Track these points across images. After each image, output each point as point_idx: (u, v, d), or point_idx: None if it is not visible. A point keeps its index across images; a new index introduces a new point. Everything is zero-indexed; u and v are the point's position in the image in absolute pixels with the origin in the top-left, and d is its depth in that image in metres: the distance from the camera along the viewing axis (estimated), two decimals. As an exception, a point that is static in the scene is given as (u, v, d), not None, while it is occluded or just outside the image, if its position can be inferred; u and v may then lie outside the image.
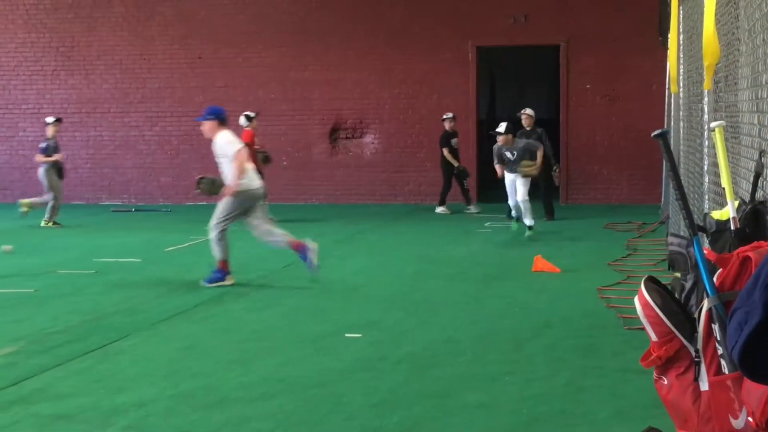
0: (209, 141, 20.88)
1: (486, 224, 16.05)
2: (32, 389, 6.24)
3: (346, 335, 7.80)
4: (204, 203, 20.40)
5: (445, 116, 18.12)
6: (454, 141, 18.09)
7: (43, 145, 16.94)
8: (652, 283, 3.88)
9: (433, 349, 7.31)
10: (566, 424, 5.39)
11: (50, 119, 17.31)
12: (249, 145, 16.95)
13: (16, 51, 21.31)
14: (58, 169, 16.94)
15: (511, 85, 26.06)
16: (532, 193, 14.54)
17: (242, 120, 17.03)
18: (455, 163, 17.99)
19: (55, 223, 16.68)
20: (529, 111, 16.69)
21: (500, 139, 14.17)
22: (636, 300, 3.87)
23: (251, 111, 17.41)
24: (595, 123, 19.53)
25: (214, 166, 20.58)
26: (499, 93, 26.30)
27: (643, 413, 5.38)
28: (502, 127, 14.21)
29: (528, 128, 16.63)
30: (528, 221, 13.98)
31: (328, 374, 6.57)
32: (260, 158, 17.06)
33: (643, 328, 3.93)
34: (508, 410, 5.67)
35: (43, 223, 16.61)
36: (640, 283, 3.90)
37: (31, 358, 7.08)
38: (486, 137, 19.33)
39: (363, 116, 20.26)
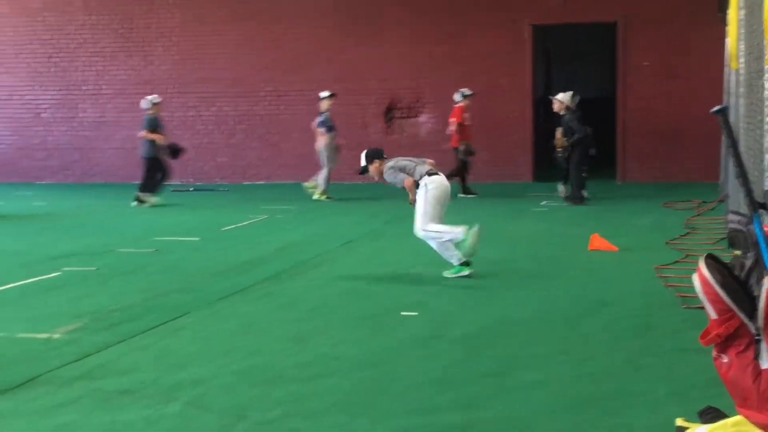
0: (266, 121, 21.09)
1: (542, 203, 15.98)
2: (95, 365, 6.35)
3: (402, 314, 7.83)
4: (262, 183, 20.55)
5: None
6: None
7: (321, 119, 17.18)
8: (712, 260, 3.85)
9: (488, 327, 7.32)
10: (622, 404, 5.37)
11: (324, 93, 17.53)
12: (459, 123, 17.22)
13: (76, 33, 21.56)
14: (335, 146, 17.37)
15: (567, 63, 25.85)
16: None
17: (456, 96, 17.29)
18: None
19: (328, 197, 17.17)
20: (559, 96, 16.22)
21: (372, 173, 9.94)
22: (695, 278, 3.84)
23: (462, 90, 17.55)
24: (652, 100, 19.33)
25: (270, 145, 20.75)
26: (555, 71, 26.12)
27: (700, 393, 5.35)
28: (362, 159, 9.99)
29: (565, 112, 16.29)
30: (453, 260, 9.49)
31: (384, 352, 6.60)
32: (461, 150, 17.25)
33: (702, 307, 3.91)
34: (563, 389, 5.66)
35: (315, 196, 16.95)
36: (699, 262, 3.88)
37: (93, 335, 7.19)
38: (543, 115, 19.25)
39: (419, 95, 20.24)
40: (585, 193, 15.82)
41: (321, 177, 17.25)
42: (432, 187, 9.40)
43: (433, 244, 9.50)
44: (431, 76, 20.03)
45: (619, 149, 19.66)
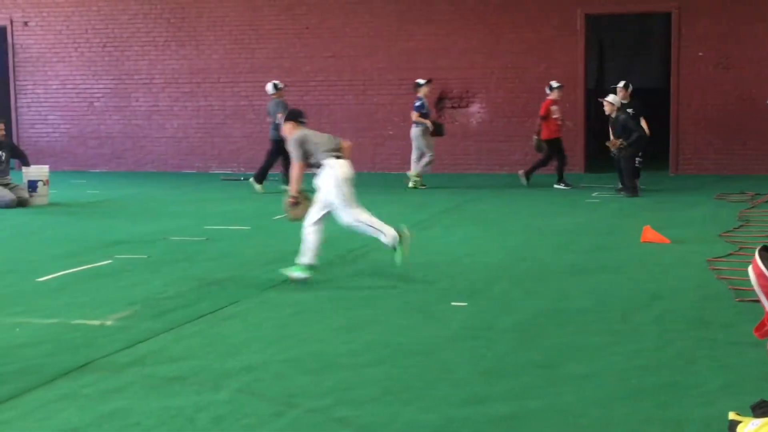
0: (315, 111, 21.16)
1: (593, 194, 15.89)
2: (146, 352, 6.41)
3: (452, 304, 7.83)
4: (313, 173, 20.61)
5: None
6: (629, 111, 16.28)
7: (417, 104, 17.32)
8: (767, 252, 3.81)
9: (540, 318, 7.29)
10: (674, 396, 5.34)
11: (421, 81, 17.56)
12: (542, 116, 17.24)
13: (129, 23, 21.75)
14: (437, 126, 17.44)
15: (620, 53, 25.63)
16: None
17: (546, 88, 17.34)
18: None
19: (421, 184, 17.35)
20: (609, 98, 15.70)
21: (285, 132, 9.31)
22: (750, 270, 3.81)
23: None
24: (707, 91, 19.12)
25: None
26: (607, 62, 25.90)
27: (754, 386, 5.29)
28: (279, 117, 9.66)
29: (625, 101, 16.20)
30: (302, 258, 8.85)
31: (435, 342, 6.60)
32: (534, 143, 17.30)
33: (757, 300, 3.87)
34: (615, 380, 5.63)
35: (411, 184, 17.20)
36: (753, 254, 3.85)
37: (145, 322, 7.26)
38: (594, 106, 19.10)
39: (469, 85, 20.19)
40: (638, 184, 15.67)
41: (420, 164, 17.33)
42: (337, 169, 8.74)
43: (367, 231, 8.96)
44: (482, 66, 19.97)
45: (672, 141, 19.47)
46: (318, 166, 8.87)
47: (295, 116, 9.23)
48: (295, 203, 9.09)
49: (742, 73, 18.85)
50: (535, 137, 17.32)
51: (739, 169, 18.97)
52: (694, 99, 19.22)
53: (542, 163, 17.43)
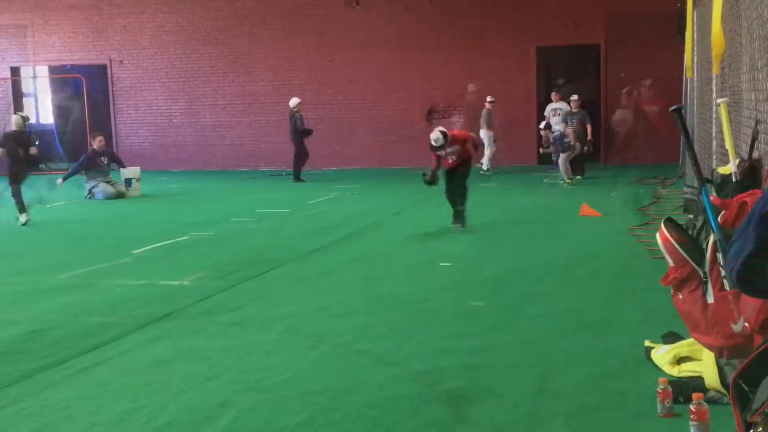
0: (336, 122, 20.95)
1: (544, 181, 15.83)
2: (214, 304, 6.42)
3: (440, 264, 7.82)
4: (334, 169, 20.54)
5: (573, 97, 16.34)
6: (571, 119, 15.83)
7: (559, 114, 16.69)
8: (670, 222, 3.92)
9: (505, 274, 7.28)
10: (606, 330, 5.33)
11: (574, 96, 16.31)
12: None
13: (198, 60, 21.66)
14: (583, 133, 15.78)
15: (562, 75, 25.40)
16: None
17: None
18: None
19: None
20: (575, 96, 15.99)
21: None
22: (657, 236, 3.90)
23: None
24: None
25: (341, 140, 20.66)
26: (552, 82, 25.68)
27: (665, 321, 5.28)
28: None
29: (575, 110, 16.24)
30: None
31: (428, 292, 6.60)
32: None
33: (664, 257, 3.87)
34: (561, 319, 5.63)
35: (564, 183, 15.25)
36: (660, 224, 3.88)
37: (212, 282, 7.27)
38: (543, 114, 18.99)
39: (451, 101, 20.09)
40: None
41: (561, 164, 16.27)
42: None
43: None
44: (461, 87, 19.86)
45: (603, 139, 19.37)
46: None
47: None
48: None
49: (654, 88, 18.73)
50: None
51: (652, 159, 18.85)
52: (618, 108, 19.13)
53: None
